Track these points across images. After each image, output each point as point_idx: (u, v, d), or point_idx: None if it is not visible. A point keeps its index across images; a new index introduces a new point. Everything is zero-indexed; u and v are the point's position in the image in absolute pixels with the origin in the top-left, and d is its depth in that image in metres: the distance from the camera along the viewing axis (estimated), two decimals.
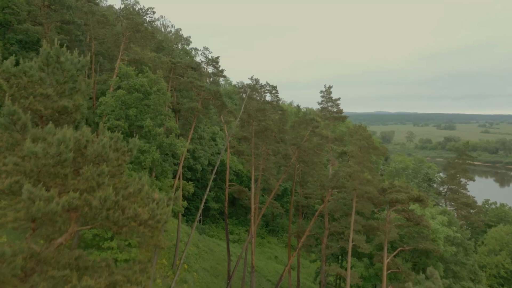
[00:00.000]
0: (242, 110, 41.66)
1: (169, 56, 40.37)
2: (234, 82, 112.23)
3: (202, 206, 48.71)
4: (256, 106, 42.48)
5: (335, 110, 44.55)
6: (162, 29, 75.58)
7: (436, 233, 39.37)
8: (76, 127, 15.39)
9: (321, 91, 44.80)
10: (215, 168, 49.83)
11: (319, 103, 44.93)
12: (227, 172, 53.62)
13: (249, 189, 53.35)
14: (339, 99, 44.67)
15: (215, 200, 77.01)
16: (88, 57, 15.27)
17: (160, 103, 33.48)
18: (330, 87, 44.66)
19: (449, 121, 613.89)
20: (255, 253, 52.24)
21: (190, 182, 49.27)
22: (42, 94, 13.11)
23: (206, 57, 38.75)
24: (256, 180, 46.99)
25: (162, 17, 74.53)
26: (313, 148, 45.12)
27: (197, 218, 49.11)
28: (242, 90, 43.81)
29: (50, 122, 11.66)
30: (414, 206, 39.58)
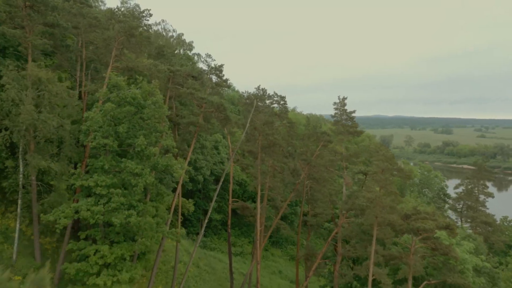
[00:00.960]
0: (248, 124, 36.32)
1: (167, 64, 35.08)
2: (236, 88, 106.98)
3: (205, 224, 43.09)
4: (263, 119, 37.16)
5: (350, 124, 39.22)
6: (164, 34, 70.26)
7: (464, 264, 33.95)
8: None
9: (335, 103, 39.53)
10: (219, 184, 44.02)
11: (333, 116, 39.64)
12: (231, 182, 48.61)
13: (254, 201, 48.16)
14: (354, 111, 39.37)
15: (217, 211, 71.47)
16: None
17: (155, 118, 28.21)
18: (344, 98, 39.37)
19: (446, 125, 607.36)
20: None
21: (190, 200, 44.07)
22: None
23: (208, 65, 33.51)
24: (262, 198, 41.66)
25: (163, 21, 69.43)
26: (325, 164, 39.80)
27: (200, 237, 43.29)
28: (248, 101, 38.50)
29: None
30: (440, 233, 34.16)
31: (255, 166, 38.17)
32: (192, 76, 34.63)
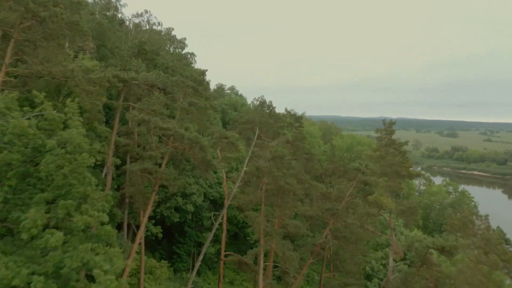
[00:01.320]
0: (246, 162, 22.45)
1: (119, 67, 21.21)
2: (240, 92, 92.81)
3: (197, 265, 30.27)
4: (269, 155, 23.26)
5: (400, 160, 25.14)
6: (147, 26, 55.96)
7: None
8: None
9: (377, 130, 25.48)
10: (215, 225, 30.31)
11: (374, 150, 25.64)
12: (224, 231, 35.83)
13: (255, 256, 34.55)
14: (406, 143, 25.35)
15: (212, 241, 57.43)
16: None
17: (68, 171, 14.51)
18: (392, 123, 25.36)
19: (450, 128, 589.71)
20: None
21: (162, 261, 30.57)
22: None
23: (181, 73, 19.64)
24: (265, 269, 27.94)
25: (147, 12, 55.47)
26: (360, 220, 25.90)
27: (191, 281, 29.86)
28: (247, 125, 24.61)
29: None
30: None
31: (257, 224, 24.34)
32: (159, 88, 20.78)
